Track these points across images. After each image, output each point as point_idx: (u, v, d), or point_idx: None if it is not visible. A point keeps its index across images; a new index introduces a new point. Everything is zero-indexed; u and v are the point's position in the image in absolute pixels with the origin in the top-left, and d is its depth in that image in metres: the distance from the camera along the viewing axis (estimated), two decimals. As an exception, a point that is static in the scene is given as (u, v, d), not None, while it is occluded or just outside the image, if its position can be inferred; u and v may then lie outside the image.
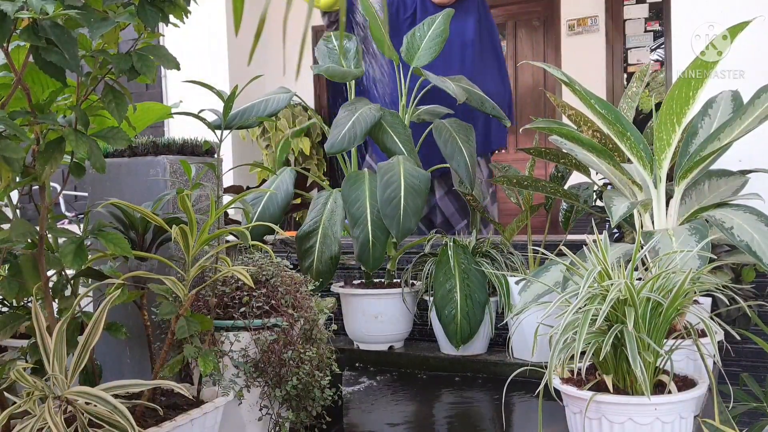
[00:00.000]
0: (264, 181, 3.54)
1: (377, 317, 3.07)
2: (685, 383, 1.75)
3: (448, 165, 3.57)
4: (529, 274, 2.62)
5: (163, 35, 1.75)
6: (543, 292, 2.13)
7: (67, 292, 1.58)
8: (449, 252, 2.89)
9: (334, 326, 2.08)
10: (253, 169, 5.61)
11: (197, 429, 1.54)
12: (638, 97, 2.58)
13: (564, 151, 2.52)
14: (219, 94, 2.08)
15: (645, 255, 1.84)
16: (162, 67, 1.50)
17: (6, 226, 1.38)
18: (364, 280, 3.28)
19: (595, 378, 1.72)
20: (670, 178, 2.18)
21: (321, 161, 6.09)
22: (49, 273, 1.48)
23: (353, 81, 3.36)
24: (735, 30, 1.92)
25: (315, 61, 3.48)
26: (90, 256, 1.56)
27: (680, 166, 2.16)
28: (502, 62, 4.19)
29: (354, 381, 2.87)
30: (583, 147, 2.22)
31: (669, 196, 2.18)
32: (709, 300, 2.45)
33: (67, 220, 3.63)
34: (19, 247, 1.43)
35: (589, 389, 1.68)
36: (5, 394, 1.43)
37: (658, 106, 2.18)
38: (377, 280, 3.26)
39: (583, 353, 1.59)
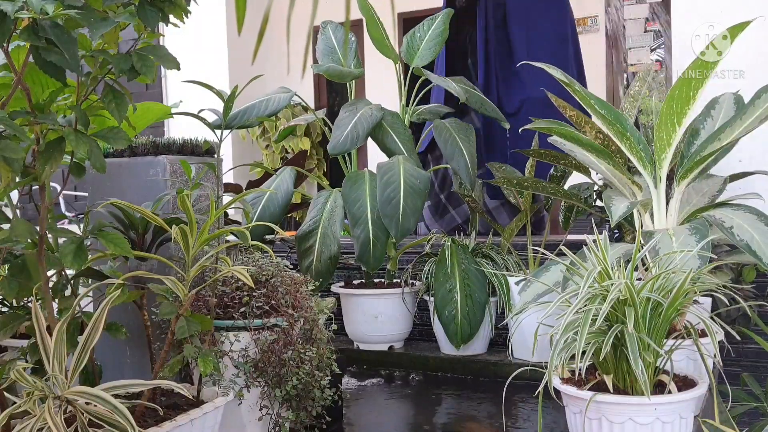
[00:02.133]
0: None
1: (377, 317, 3.07)
2: (685, 383, 1.75)
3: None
4: (529, 274, 2.62)
5: (163, 35, 1.75)
6: (543, 291, 2.13)
7: (67, 292, 1.58)
8: (449, 252, 2.88)
9: (334, 326, 2.08)
10: (253, 169, 5.60)
11: (197, 429, 1.54)
12: (640, 97, 2.58)
13: (564, 152, 2.52)
14: (219, 94, 2.08)
15: (645, 255, 1.84)
16: (162, 67, 1.50)
17: (6, 226, 1.38)
18: (364, 280, 3.27)
19: (595, 378, 1.72)
20: (669, 178, 2.18)
21: (321, 161, 6.09)
22: (49, 273, 1.48)
23: (353, 81, 3.36)
24: (735, 30, 1.92)
25: (315, 60, 3.47)
26: (90, 256, 1.56)
27: (681, 166, 2.15)
28: (566, 44, 4.12)
29: (354, 381, 2.87)
30: (583, 147, 2.22)
31: (668, 196, 2.18)
32: (709, 300, 2.44)
33: (67, 220, 3.62)
34: (19, 247, 1.43)
35: (589, 389, 1.68)
36: (5, 394, 1.43)
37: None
38: (377, 280, 3.26)
39: (583, 353, 1.59)
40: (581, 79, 4.04)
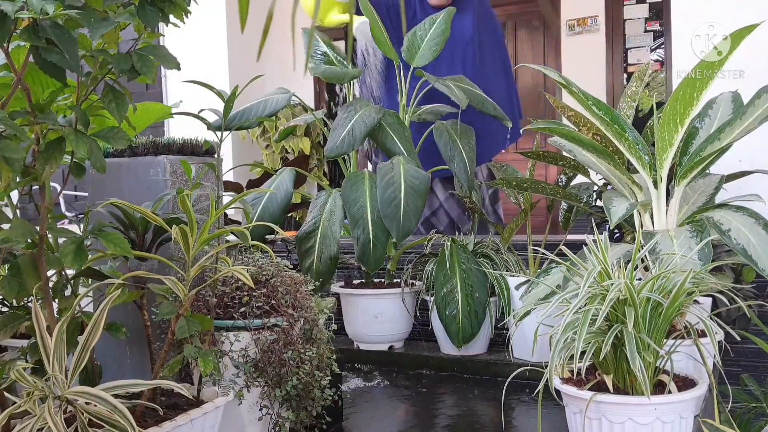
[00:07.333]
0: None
1: (377, 317, 3.07)
2: (685, 383, 1.75)
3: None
4: (531, 277, 2.63)
5: (163, 35, 1.75)
6: (545, 296, 2.13)
7: (67, 292, 1.58)
8: (450, 252, 2.88)
9: (334, 326, 2.08)
10: (253, 169, 5.60)
11: (197, 429, 1.54)
12: (638, 96, 2.58)
13: (564, 153, 2.52)
14: (219, 94, 2.08)
15: (645, 255, 1.84)
16: (162, 67, 1.50)
17: (6, 226, 1.38)
18: (364, 280, 3.28)
19: (595, 378, 1.72)
20: (669, 177, 2.18)
21: (321, 161, 6.10)
22: (49, 273, 1.48)
23: (351, 81, 3.35)
24: (738, 35, 1.91)
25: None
26: (90, 256, 1.56)
27: (680, 166, 2.15)
28: (507, 60, 4.18)
29: (354, 381, 2.87)
30: (584, 147, 2.22)
31: (668, 196, 2.18)
32: (709, 300, 2.45)
33: (67, 220, 3.62)
34: (19, 247, 1.43)
35: (589, 389, 1.68)
36: (5, 394, 1.43)
37: (658, 105, 2.18)
38: (377, 280, 3.26)
39: (583, 353, 1.59)
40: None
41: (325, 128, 3.32)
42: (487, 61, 4.06)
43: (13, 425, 1.26)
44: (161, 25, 1.45)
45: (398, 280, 3.18)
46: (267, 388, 1.85)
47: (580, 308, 1.63)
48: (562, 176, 3.00)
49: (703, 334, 2.04)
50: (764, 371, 2.80)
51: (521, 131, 2.53)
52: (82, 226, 1.55)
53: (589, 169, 2.56)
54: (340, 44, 4.35)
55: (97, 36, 1.32)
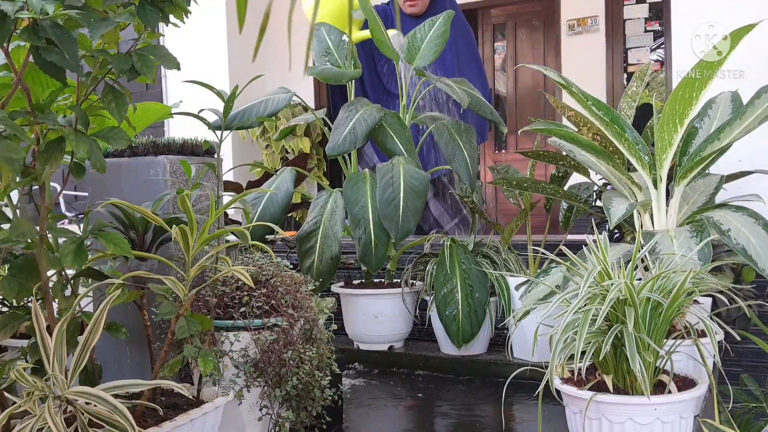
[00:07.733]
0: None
1: (377, 317, 3.07)
2: (685, 383, 1.75)
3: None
4: (531, 277, 2.63)
5: (163, 35, 1.75)
6: (544, 296, 2.13)
7: (67, 292, 1.58)
8: (450, 252, 2.88)
9: (334, 326, 2.08)
10: (253, 169, 5.60)
11: (197, 429, 1.54)
12: (638, 96, 2.58)
13: (563, 153, 2.52)
14: (219, 94, 2.08)
15: (645, 255, 1.84)
16: (162, 67, 1.50)
17: (6, 226, 1.38)
18: (364, 280, 3.27)
19: (595, 378, 1.72)
20: (669, 177, 2.18)
21: (321, 161, 6.09)
22: (49, 273, 1.48)
23: (352, 81, 3.35)
24: (739, 34, 1.91)
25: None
26: (90, 256, 1.56)
27: (680, 166, 2.15)
28: (481, 66, 4.35)
29: (354, 381, 2.87)
30: (583, 148, 2.22)
31: (668, 196, 2.18)
32: (709, 300, 2.45)
33: (67, 220, 3.62)
34: (19, 247, 1.43)
35: (589, 389, 1.68)
36: (5, 394, 1.43)
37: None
38: (377, 280, 3.26)
39: (583, 353, 1.59)
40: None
41: (326, 128, 3.32)
42: (462, 62, 4.13)
43: (13, 425, 1.26)
44: (161, 25, 1.45)
45: (398, 280, 3.18)
46: (267, 388, 1.85)
47: (580, 308, 1.63)
48: (555, 172, 2.99)
49: (703, 334, 2.04)
50: (764, 371, 2.80)
51: (519, 132, 2.54)
52: (82, 226, 1.55)
53: (588, 169, 2.56)
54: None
55: (97, 36, 1.32)
